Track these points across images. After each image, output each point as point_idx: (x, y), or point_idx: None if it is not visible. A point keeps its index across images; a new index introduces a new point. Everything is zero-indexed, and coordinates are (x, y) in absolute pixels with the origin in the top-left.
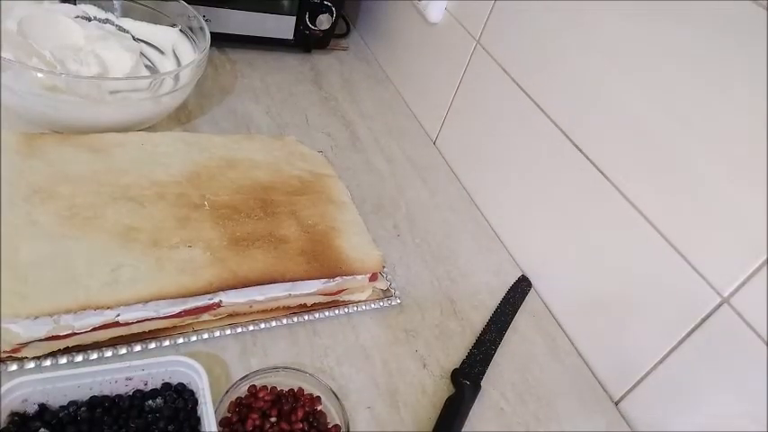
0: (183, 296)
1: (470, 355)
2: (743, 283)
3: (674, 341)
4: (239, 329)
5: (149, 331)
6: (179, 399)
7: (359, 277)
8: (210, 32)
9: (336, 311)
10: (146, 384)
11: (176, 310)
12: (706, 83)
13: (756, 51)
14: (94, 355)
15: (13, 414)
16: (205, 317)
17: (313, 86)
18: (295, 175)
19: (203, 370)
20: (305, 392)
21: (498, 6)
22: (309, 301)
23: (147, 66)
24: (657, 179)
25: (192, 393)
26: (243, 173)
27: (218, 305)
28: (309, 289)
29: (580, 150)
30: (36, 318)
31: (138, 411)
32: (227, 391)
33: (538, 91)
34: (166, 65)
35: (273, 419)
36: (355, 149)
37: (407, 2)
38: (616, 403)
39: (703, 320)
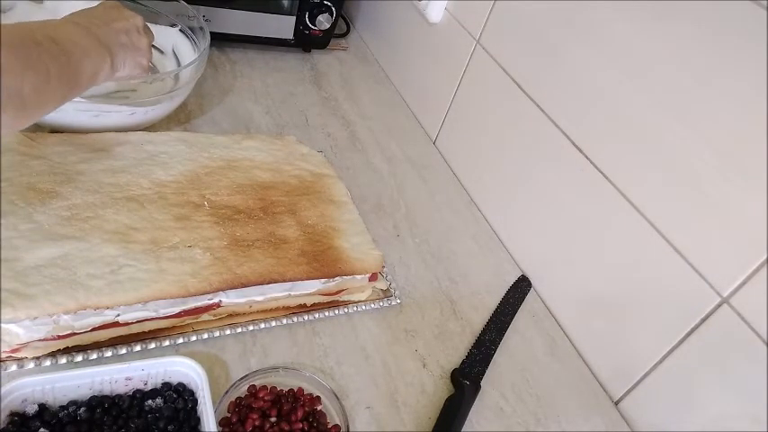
0: (183, 296)
1: (470, 355)
2: (743, 283)
3: (674, 341)
4: (239, 329)
5: (149, 331)
6: (179, 399)
7: (359, 277)
8: (210, 32)
9: (336, 311)
10: (145, 384)
11: (176, 310)
12: (706, 83)
13: (756, 51)
14: (94, 355)
15: (13, 414)
16: (205, 317)
17: (313, 86)
18: (295, 174)
19: (203, 370)
20: (305, 392)
21: (498, 6)
22: (309, 301)
23: None
24: (657, 179)
25: (191, 393)
26: (243, 173)
27: (218, 305)
28: (309, 289)
29: (580, 150)
30: (36, 318)
31: (138, 411)
32: (226, 392)
33: (538, 91)
34: (166, 65)
35: (273, 419)
36: (355, 149)
37: (407, 2)
38: (616, 403)
39: (703, 320)
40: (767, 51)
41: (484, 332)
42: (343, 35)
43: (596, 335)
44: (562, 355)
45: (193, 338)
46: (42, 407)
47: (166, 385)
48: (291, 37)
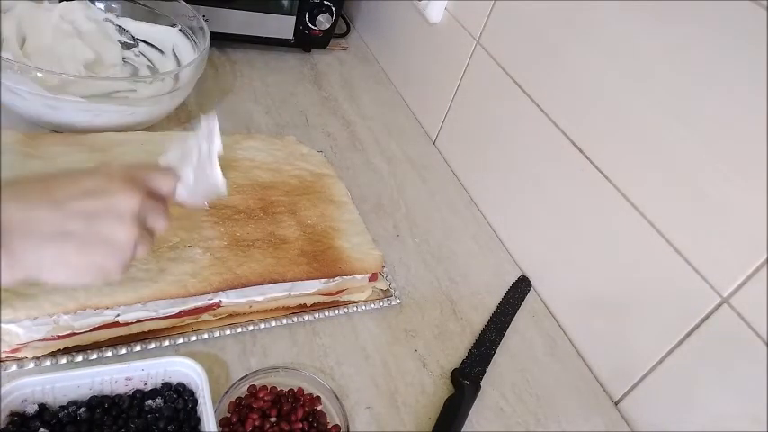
0: (183, 296)
1: (470, 355)
2: (743, 283)
3: (674, 341)
4: (239, 329)
5: (149, 331)
6: (179, 399)
7: (359, 277)
8: (210, 32)
9: (336, 311)
10: (145, 384)
11: (176, 310)
12: (706, 83)
13: (756, 51)
14: (94, 355)
15: (13, 414)
16: (205, 317)
17: (313, 86)
18: (295, 174)
19: (203, 370)
20: (305, 392)
21: (498, 6)
22: (309, 301)
23: (147, 66)
24: (657, 179)
25: (191, 393)
26: (243, 173)
27: (218, 305)
28: (309, 289)
29: (580, 150)
30: (36, 318)
31: (138, 411)
32: (226, 391)
33: (538, 91)
34: (166, 65)
35: (273, 419)
36: (355, 149)
37: (407, 2)
38: (616, 403)
39: (703, 320)
40: (767, 51)
41: (484, 332)
42: (343, 35)
43: (596, 335)
44: (562, 355)
45: (193, 338)
46: (42, 407)
47: (166, 385)
48: (291, 37)
